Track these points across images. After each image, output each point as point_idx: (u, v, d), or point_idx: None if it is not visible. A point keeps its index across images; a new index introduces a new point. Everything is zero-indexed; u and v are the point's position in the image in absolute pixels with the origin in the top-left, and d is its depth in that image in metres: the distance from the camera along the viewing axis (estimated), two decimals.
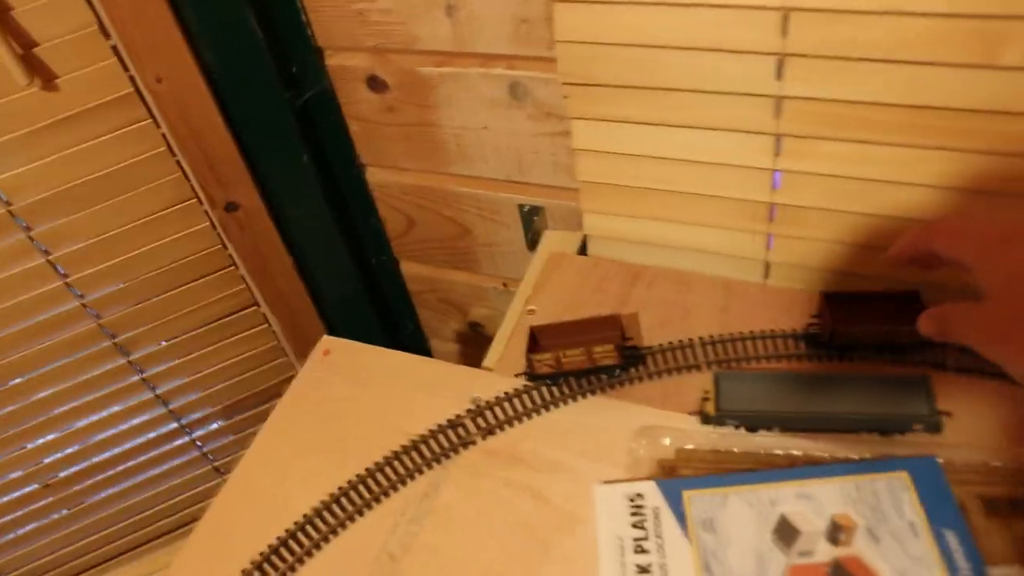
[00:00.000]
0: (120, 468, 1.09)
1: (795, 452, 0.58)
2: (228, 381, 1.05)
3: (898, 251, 0.50)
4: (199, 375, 1.04)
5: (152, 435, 1.07)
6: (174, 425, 1.07)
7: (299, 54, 0.80)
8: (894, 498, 0.54)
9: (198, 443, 1.11)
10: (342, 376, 0.70)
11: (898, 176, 0.61)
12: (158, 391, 1.03)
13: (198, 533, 0.62)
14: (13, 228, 0.85)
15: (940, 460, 0.55)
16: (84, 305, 0.93)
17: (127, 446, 1.07)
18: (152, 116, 0.82)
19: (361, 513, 0.61)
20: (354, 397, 0.68)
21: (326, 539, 0.60)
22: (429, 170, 0.86)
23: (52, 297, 0.90)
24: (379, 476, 0.62)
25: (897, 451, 0.57)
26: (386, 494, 0.62)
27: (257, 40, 0.77)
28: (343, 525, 0.60)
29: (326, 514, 0.61)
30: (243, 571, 0.58)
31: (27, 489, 1.06)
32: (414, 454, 0.63)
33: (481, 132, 0.79)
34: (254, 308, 1.00)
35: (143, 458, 1.09)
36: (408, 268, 0.99)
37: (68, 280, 0.90)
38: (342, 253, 0.96)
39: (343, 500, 0.61)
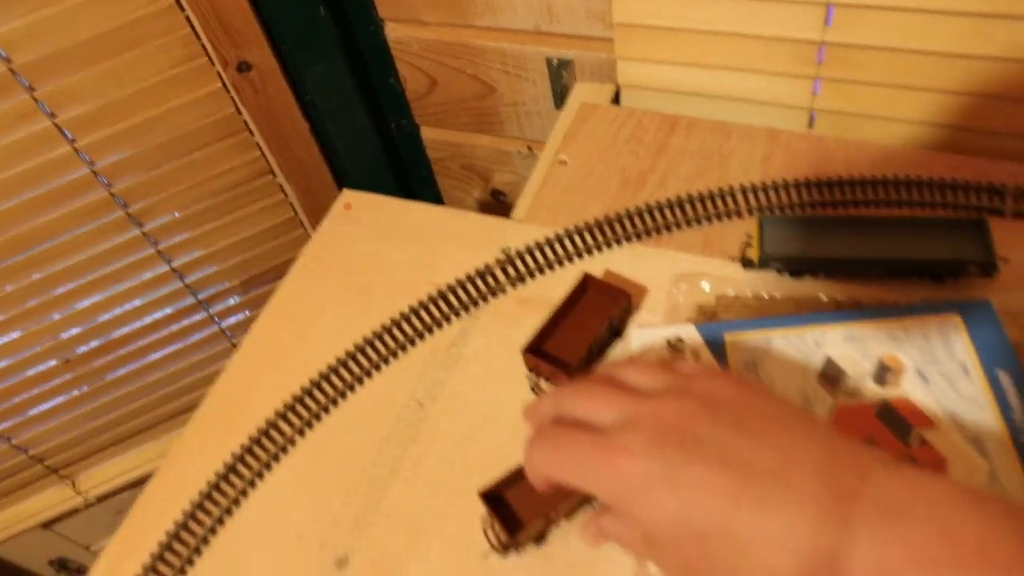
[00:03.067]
0: (139, 344, 1.08)
1: (840, 297, 0.55)
2: (245, 254, 1.03)
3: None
4: (215, 248, 1.01)
5: (169, 310, 1.06)
6: (191, 300, 1.06)
7: None
8: (945, 339, 0.51)
9: (216, 319, 1.10)
10: (365, 230, 0.68)
11: (970, 6, 0.56)
12: (174, 264, 1.01)
13: (222, 382, 0.60)
14: (16, 88, 0.82)
15: (993, 304, 0.53)
16: (95, 172, 0.90)
17: (145, 321, 1.06)
18: None
19: (387, 362, 0.59)
20: (378, 250, 0.66)
21: (351, 388, 0.58)
22: (451, 23, 0.81)
23: (61, 163, 0.87)
24: (405, 325, 0.60)
25: (950, 297, 0.54)
26: (412, 343, 0.60)
27: None
28: (368, 374, 0.59)
29: (351, 363, 0.59)
30: (267, 420, 0.57)
31: (48, 364, 1.05)
32: (442, 303, 0.61)
33: None
34: (269, 176, 0.97)
35: (162, 334, 1.08)
36: (429, 133, 0.95)
37: (76, 145, 0.87)
38: (361, 116, 0.92)
39: (368, 349, 0.59)
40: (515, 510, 0.47)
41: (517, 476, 0.48)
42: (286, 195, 0.99)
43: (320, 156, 0.95)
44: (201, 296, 1.06)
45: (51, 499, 1.23)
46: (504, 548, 0.48)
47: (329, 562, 0.50)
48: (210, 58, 0.85)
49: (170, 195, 0.94)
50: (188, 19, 0.82)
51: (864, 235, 0.56)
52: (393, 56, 0.87)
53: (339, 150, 0.96)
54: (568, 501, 0.47)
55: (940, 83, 0.61)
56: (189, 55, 0.84)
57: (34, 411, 1.10)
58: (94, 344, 1.06)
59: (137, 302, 1.03)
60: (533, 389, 0.55)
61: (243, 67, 0.85)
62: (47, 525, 1.28)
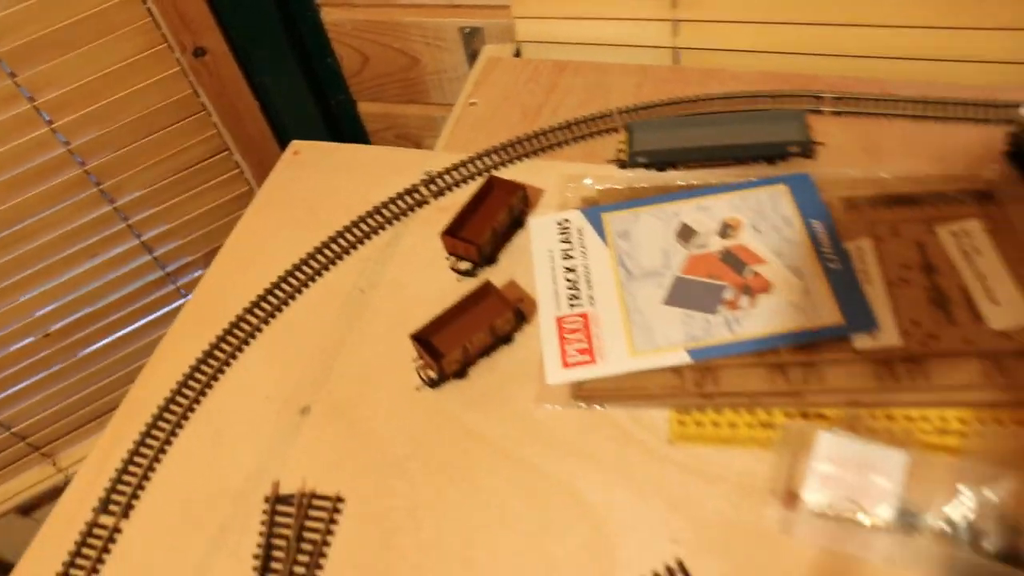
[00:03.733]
0: (113, 318, 1.18)
1: (695, 182, 0.69)
2: (206, 228, 1.15)
3: None
4: (179, 222, 1.13)
5: (139, 283, 1.17)
6: (160, 273, 1.17)
7: None
8: (774, 202, 0.66)
9: (182, 291, 1.21)
10: (312, 170, 0.80)
11: None
12: (143, 238, 1.12)
13: (198, 292, 0.72)
14: None
15: (812, 176, 0.67)
16: (70, 152, 1.01)
17: (117, 295, 1.16)
18: None
19: (334, 263, 0.71)
20: (322, 184, 0.78)
21: (306, 285, 0.70)
22: (378, 3, 0.94)
23: (40, 143, 0.99)
24: (347, 235, 0.73)
25: (780, 173, 0.68)
26: (355, 247, 0.72)
27: None
28: (319, 273, 0.71)
29: (305, 267, 0.71)
30: (236, 315, 0.69)
31: (27, 340, 1.15)
32: (377, 216, 0.74)
33: None
34: (226, 153, 1.09)
35: (133, 307, 1.18)
36: (365, 108, 1.09)
37: (54, 126, 0.98)
38: (305, 94, 1.05)
39: (318, 256, 0.72)
40: (438, 346, 0.60)
41: (439, 322, 0.61)
42: (241, 170, 1.11)
43: (270, 132, 1.08)
44: (168, 269, 1.17)
45: (33, 478, 1.31)
46: (432, 382, 0.60)
47: (294, 412, 0.62)
48: (169, 45, 0.97)
49: (138, 171, 1.05)
50: (149, 9, 0.94)
51: (710, 129, 0.70)
52: (329, 38, 1.01)
53: (288, 127, 1.09)
54: (481, 334, 0.60)
55: (772, 16, 0.75)
56: (151, 42, 0.97)
57: (13, 389, 1.19)
58: (70, 319, 1.16)
59: (109, 276, 1.13)
60: (452, 268, 0.68)
61: (198, 52, 0.97)
62: (27, 512, 1.36)
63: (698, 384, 0.56)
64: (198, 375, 0.66)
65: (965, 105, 0.70)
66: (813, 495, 0.49)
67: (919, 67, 0.77)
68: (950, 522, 0.47)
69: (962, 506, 0.47)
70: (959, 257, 0.60)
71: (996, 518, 0.47)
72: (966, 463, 0.49)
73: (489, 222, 0.66)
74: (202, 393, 0.65)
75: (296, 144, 0.83)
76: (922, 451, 0.50)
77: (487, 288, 0.62)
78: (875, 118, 0.71)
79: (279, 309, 0.69)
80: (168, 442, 0.62)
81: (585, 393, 0.57)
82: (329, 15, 0.98)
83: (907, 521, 0.48)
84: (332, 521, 0.55)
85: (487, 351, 0.61)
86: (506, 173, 0.74)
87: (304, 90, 1.04)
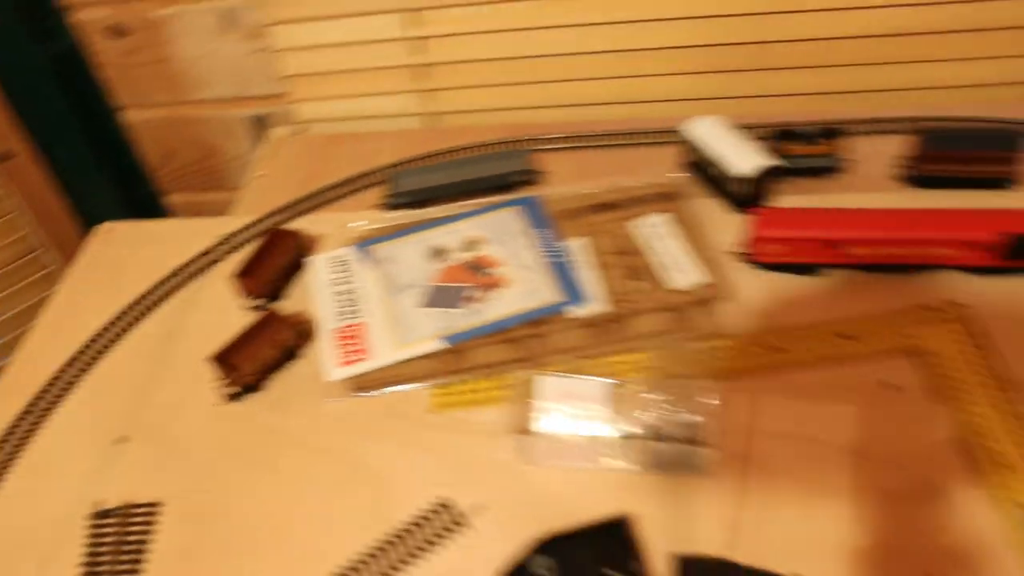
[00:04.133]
0: None
1: (447, 213, 0.84)
2: (16, 332, 1.19)
3: None
4: None
5: None
6: None
7: (47, 13, 0.99)
8: (508, 220, 0.81)
9: None
10: (118, 246, 0.89)
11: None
12: None
13: (13, 366, 0.79)
14: None
15: (539, 196, 0.83)
16: None
17: None
18: None
19: (142, 319, 0.80)
20: (129, 257, 0.87)
21: (117, 339, 0.79)
22: (175, 102, 1.06)
23: None
24: (151, 295, 0.82)
25: (513, 198, 0.84)
26: (159, 304, 0.82)
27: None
28: (127, 329, 0.80)
29: (113, 326, 0.80)
30: (52, 374, 0.76)
31: None
32: (178, 276, 0.84)
33: (209, 58, 1.01)
34: (37, 252, 1.15)
35: None
36: (173, 199, 1.18)
37: None
38: (110, 190, 1.13)
39: (126, 315, 0.81)
40: (232, 362, 0.70)
41: (232, 346, 0.71)
42: (50, 272, 1.17)
43: (81, 229, 1.15)
44: None
45: None
46: (233, 396, 0.70)
47: (113, 441, 0.69)
48: None
49: None
50: None
51: (455, 170, 0.85)
52: (134, 135, 1.11)
53: (98, 221, 1.16)
54: (269, 350, 0.70)
55: (504, 80, 0.93)
56: None
57: None
58: None
59: None
60: (247, 307, 0.78)
61: (4, 157, 1.05)
62: None
63: (450, 363, 0.69)
64: (17, 430, 0.72)
65: (651, 133, 0.89)
66: (540, 425, 0.62)
67: (618, 110, 0.96)
68: (644, 424, 0.61)
69: (651, 412, 0.62)
70: (649, 241, 0.76)
71: (673, 416, 0.61)
72: (651, 382, 0.64)
73: (273, 265, 0.78)
74: (23, 440, 0.71)
75: (107, 225, 0.92)
76: (622, 380, 0.65)
77: (271, 315, 0.73)
78: (586, 150, 0.89)
79: (93, 361, 0.77)
80: None
81: (362, 384, 0.69)
82: (131, 115, 1.09)
83: (614, 430, 0.61)
84: (150, 524, 0.63)
85: (278, 365, 0.72)
86: (291, 227, 0.86)
87: (111, 187, 1.13)
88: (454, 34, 0.91)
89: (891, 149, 0.83)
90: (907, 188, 0.80)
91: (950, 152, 0.77)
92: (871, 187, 0.80)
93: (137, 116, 1.09)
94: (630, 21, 0.90)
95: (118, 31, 1.01)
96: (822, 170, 0.81)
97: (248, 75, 1.02)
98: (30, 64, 1.01)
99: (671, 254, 0.75)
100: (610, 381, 0.63)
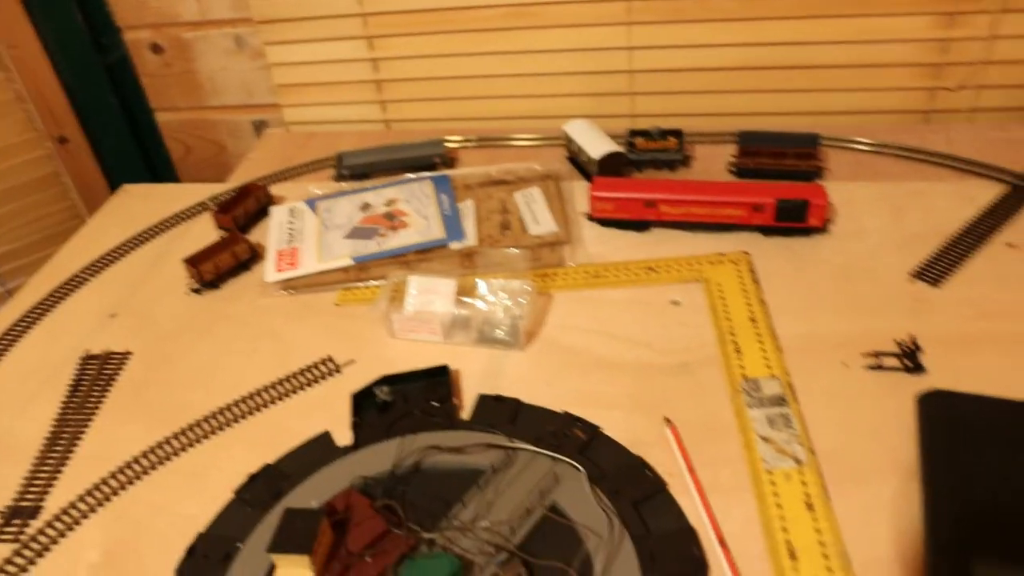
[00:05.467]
0: None
1: (379, 184, 1.09)
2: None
3: None
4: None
5: None
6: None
7: (106, 30, 1.30)
8: (422, 188, 1.06)
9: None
10: (137, 203, 1.16)
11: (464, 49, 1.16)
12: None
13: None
14: None
15: (449, 175, 1.08)
16: None
17: None
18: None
19: (144, 242, 1.06)
20: (142, 212, 1.14)
21: (124, 254, 1.05)
22: (195, 106, 1.35)
23: None
24: (153, 229, 1.08)
25: (435, 175, 1.09)
26: (157, 234, 1.07)
27: (75, 17, 1.26)
28: (139, 245, 1.06)
29: (127, 245, 1.06)
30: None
31: None
32: (175, 218, 1.10)
33: (223, 72, 1.30)
34: (82, 217, 1.43)
35: None
36: None
37: None
38: (144, 177, 1.42)
39: (133, 240, 1.07)
40: (198, 261, 0.95)
41: (202, 253, 0.96)
42: None
43: None
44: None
45: None
46: (196, 289, 0.95)
47: (103, 317, 0.94)
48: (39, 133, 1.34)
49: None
50: (27, 108, 1.31)
51: (389, 153, 1.11)
52: (162, 133, 1.40)
53: None
54: (226, 256, 0.95)
55: (446, 95, 1.20)
56: (28, 131, 1.33)
57: None
58: None
59: None
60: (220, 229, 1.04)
61: (62, 140, 1.35)
62: None
63: (355, 274, 0.93)
64: (41, 305, 0.98)
65: (544, 137, 1.14)
66: (403, 309, 0.85)
67: (528, 122, 1.22)
68: (477, 311, 0.84)
69: (483, 303, 0.84)
70: (522, 205, 1.00)
71: (499, 306, 0.84)
72: (488, 283, 0.87)
73: (244, 206, 1.04)
74: (45, 311, 0.97)
75: (124, 187, 1.19)
76: (466, 279, 0.87)
77: (234, 235, 0.98)
78: (496, 147, 1.15)
79: (103, 267, 1.03)
80: None
81: (291, 285, 0.93)
82: (161, 116, 1.38)
83: (456, 313, 0.84)
84: (122, 365, 0.87)
85: (233, 272, 0.97)
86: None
87: (144, 175, 1.42)
88: (401, 57, 1.19)
89: (725, 152, 1.06)
90: (733, 180, 1.03)
91: (762, 148, 1.01)
92: (705, 177, 1.04)
93: (164, 117, 1.38)
94: (533, 51, 1.17)
95: (157, 48, 1.30)
96: (667, 163, 1.05)
97: (252, 87, 1.30)
98: (90, 69, 1.31)
99: (536, 213, 0.99)
100: (455, 280, 0.86)
